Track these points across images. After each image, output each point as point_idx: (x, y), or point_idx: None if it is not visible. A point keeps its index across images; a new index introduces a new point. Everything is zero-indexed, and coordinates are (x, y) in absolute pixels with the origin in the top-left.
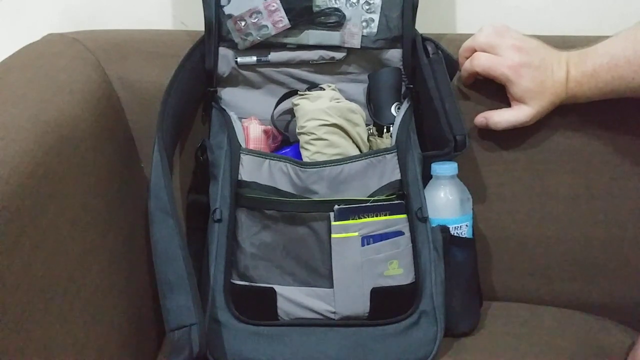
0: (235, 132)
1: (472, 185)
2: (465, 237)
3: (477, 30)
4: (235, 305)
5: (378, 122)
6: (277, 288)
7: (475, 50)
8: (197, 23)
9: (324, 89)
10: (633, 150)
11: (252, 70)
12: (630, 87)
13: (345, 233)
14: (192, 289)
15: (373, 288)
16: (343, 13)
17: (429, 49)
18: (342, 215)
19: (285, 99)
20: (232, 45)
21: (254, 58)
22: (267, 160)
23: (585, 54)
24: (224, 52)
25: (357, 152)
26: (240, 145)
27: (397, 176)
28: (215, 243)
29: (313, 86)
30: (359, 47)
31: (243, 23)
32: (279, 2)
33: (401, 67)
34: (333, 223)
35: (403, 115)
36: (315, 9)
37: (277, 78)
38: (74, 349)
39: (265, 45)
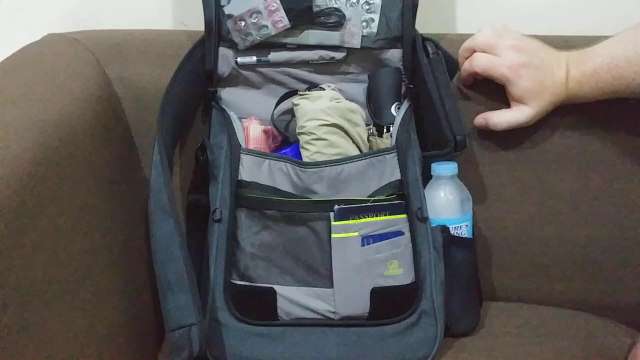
0: (235, 132)
1: (472, 185)
2: (465, 237)
3: (477, 30)
4: (235, 305)
5: (378, 122)
6: (277, 288)
7: (475, 51)
8: (197, 23)
9: (324, 89)
10: (633, 150)
11: (252, 70)
12: (630, 87)
13: (345, 233)
14: (192, 289)
15: (373, 288)
16: (343, 13)
17: (429, 49)
18: (342, 215)
19: (285, 99)
20: (232, 45)
21: (254, 58)
22: (267, 160)
23: (585, 54)
24: (224, 52)
25: (357, 152)
26: (240, 145)
27: (397, 176)
28: (215, 243)
29: (313, 86)
30: (359, 47)
31: (243, 23)
32: (279, 2)
33: (401, 67)
34: (333, 223)
35: (403, 115)
36: (315, 9)
37: (277, 78)
38: (74, 349)
39: (265, 45)
